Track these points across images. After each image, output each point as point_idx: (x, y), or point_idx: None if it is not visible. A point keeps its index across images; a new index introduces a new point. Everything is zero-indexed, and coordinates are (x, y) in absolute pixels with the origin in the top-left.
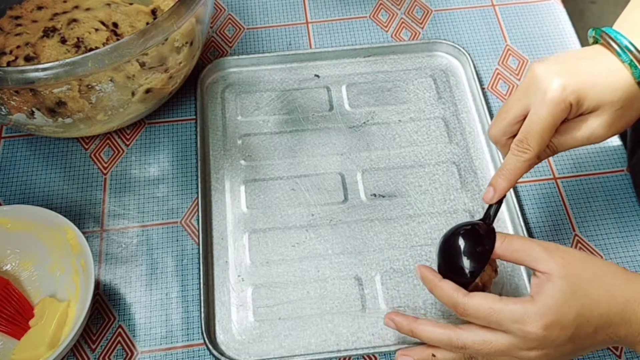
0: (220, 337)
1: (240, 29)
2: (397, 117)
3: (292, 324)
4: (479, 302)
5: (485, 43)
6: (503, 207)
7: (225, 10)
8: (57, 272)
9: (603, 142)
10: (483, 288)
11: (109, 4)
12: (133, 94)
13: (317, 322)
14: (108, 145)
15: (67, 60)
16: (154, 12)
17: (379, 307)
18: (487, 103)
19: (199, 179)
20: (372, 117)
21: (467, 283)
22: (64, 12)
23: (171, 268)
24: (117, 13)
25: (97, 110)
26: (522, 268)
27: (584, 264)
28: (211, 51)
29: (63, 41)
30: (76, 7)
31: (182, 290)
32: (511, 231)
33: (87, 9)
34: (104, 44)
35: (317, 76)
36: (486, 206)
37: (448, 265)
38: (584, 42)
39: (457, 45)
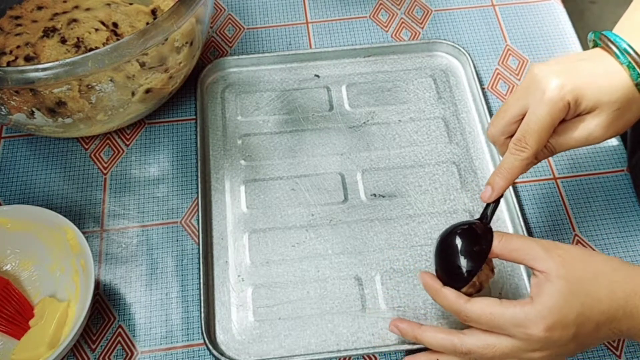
0: (220, 337)
1: (240, 29)
2: (397, 117)
3: (292, 324)
4: (480, 308)
5: (485, 43)
6: (503, 207)
7: (225, 10)
8: (57, 272)
9: (603, 142)
10: (480, 287)
11: (109, 4)
12: (133, 94)
13: (317, 322)
14: (108, 145)
15: (67, 60)
16: (154, 12)
17: (379, 307)
18: (487, 103)
19: (199, 179)
20: (372, 117)
21: (464, 282)
22: (64, 12)
23: (171, 268)
24: (117, 13)
25: (97, 110)
26: (522, 268)
27: (584, 261)
28: (211, 51)
29: (63, 41)
30: (76, 7)
31: (182, 290)
32: (511, 231)
33: (87, 9)
34: (104, 44)
35: (317, 76)
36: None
37: (445, 265)
38: (583, 42)
39: (457, 45)
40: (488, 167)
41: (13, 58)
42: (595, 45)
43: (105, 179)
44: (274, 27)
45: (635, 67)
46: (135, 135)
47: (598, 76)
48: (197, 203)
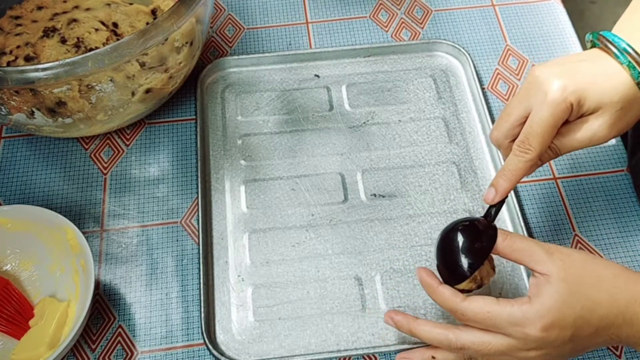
0: (220, 337)
1: (240, 29)
2: (397, 117)
3: (292, 324)
4: (476, 307)
5: (485, 43)
6: (503, 207)
7: (225, 10)
8: (57, 272)
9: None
10: (481, 283)
11: (109, 4)
12: (133, 94)
13: (317, 322)
14: (108, 145)
15: (67, 60)
16: (154, 12)
17: (379, 307)
18: (487, 103)
19: (199, 179)
20: (372, 117)
21: (465, 277)
22: (64, 12)
23: (171, 268)
24: (117, 13)
25: (97, 110)
26: (522, 268)
27: (585, 266)
28: (211, 51)
29: (63, 41)
30: (76, 7)
31: (182, 290)
32: (511, 231)
33: (87, 9)
34: (104, 44)
35: (317, 76)
36: (486, 206)
37: (446, 260)
38: (583, 42)
39: (457, 45)
40: (488, 167)
41: (13, 58)
42: (593, 45)
43: (105, 179)
44: (274, 27)
45: (636, 66)
46: (135, 135)
47: (599, 76)
48: (197, 203)
